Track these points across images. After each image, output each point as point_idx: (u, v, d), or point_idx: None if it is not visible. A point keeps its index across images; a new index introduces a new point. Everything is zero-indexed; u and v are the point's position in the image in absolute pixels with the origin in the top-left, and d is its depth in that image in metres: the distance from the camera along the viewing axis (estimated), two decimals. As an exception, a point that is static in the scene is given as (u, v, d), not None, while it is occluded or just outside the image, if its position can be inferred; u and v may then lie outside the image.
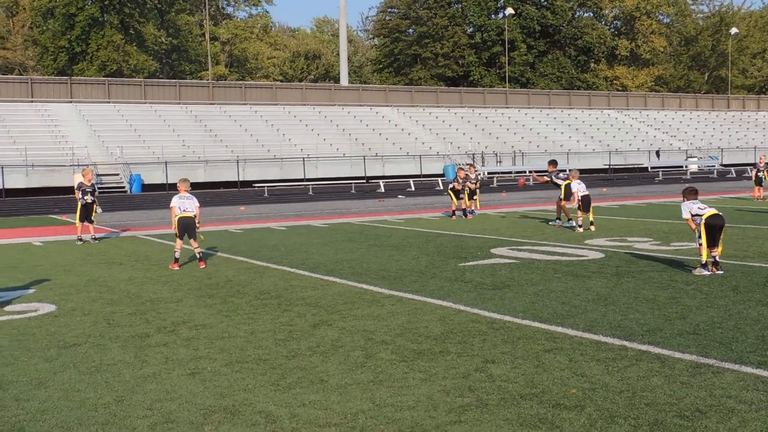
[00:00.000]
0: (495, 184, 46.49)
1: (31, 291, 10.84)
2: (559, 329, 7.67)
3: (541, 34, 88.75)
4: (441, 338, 7.43)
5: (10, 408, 5.61)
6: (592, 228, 17.66)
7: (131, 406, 5.59)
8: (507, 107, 71.76)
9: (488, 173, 53.96)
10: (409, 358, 6.74)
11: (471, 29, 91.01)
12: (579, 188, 18.27)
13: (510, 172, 54.66)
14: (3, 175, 41.75)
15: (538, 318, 8.22)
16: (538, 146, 62.70)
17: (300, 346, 7.25)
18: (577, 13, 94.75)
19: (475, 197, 23.49)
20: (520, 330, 7.72)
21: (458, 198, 22.79)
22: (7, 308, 9.57)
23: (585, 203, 18.08)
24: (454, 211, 22.67)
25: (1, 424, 5.29)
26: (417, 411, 5.36)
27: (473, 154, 57.83)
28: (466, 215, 22.53)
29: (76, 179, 18.10)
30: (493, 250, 14.25)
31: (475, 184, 23.51)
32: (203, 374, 6.38)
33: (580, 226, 17.73)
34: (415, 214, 24.41)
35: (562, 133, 67.55)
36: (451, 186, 23.02)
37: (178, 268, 12.81)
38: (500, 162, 58.29)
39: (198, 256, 13.16)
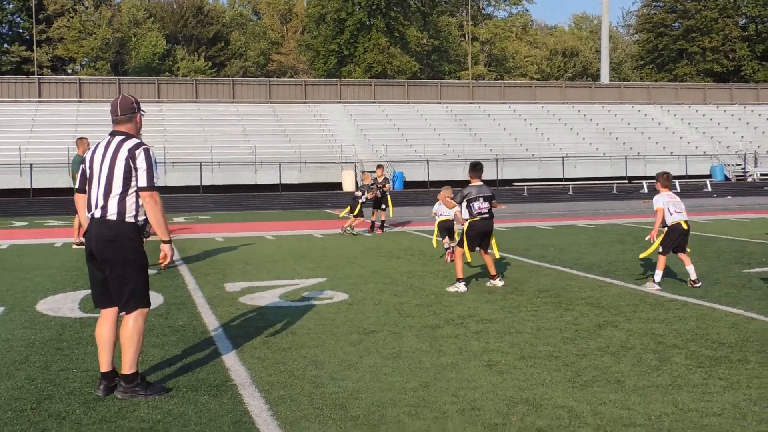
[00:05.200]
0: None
1: (323, 279, 11.70)
2: None
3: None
4: (737, 346, 7.19)
5: (328, 386, 6.15)
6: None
7: (437, 392, 5.94)
8: (784, 104, 66.74)
9: (761, 175, 50.57)
10: (706, 364, 6.60)
11: (744, 21, 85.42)
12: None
13: (787, 174, 50.85)
14: (280, 170, 45.02)
15: (844, 331, 7.72)
16: (821, 145, 57.81)
17: (589, 345, 7.31)
18: None
19: (384, 207, 19.38)
20: (825, 343, 7.29)
21: (354, 210, 19.05)
22: (305, 294, 10.40)
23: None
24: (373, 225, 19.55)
25: (323, 398, 5.82)
26: (724, 418, 5.26)
27: (744, 154, 54.37)
28: (373, 229, 19.32)
29: (345, 177, 19.25)
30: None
31: (381, 189, 19.20)
32: (499, 366, 6.63)
33: None
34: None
35: None
36: (362, 199, 19.04)
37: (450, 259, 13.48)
38: (775, 163, 54.37)
39: (450, 249, 13.62)
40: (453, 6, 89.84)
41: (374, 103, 58.43)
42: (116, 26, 76.66)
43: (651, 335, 7.70)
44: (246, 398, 5.85)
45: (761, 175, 50.62)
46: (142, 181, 5.91)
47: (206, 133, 50.30)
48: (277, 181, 45.18)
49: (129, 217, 5.94)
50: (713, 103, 65.49)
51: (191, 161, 44.93)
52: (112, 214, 5.92)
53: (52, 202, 34.83)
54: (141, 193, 5.92)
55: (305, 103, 57.19)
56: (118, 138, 6.06)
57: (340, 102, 57.79)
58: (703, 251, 14.58)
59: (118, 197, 5.91)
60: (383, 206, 19.40)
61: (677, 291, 10.19)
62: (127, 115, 6.12)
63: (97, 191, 5.98)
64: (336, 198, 38.07)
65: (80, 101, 53.30)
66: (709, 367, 6.50)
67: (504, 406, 5.60)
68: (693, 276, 10.49)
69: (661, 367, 6.54)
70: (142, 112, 6.24)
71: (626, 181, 48.10)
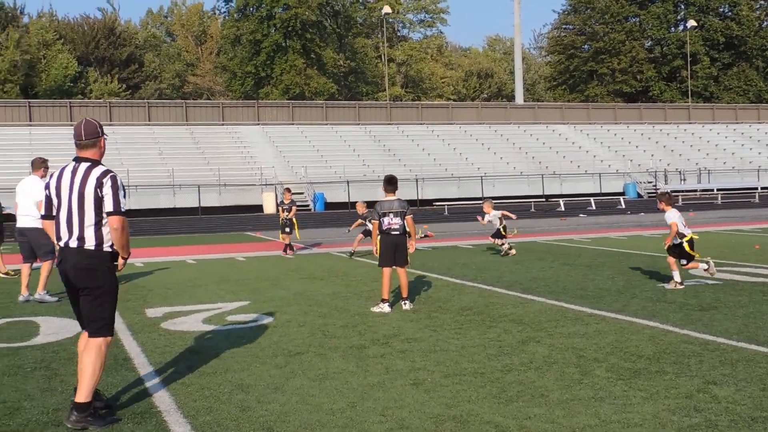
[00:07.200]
0: (680, 203, 44.92)
1: (246, 303, 11.59)
2: (780, 352, 7.46)
3: (726, 45, 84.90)
4: (655, 358, 7.40)
5: (255, 409, 6.10)
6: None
7: (364, 412, 5.94)
8: (690, 123, 69.14)
9: (671, 191, 52.23)
10: (626, 376, 6.77)
11: (650, 43, 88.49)
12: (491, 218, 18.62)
13: (695, 191, 52.67)
14: (199, 193, 44.46)
15: (754, 341, 8.01)
16: (724, 163, 60.07)
17: (513, 361, 7.43)
18: (765, 23, 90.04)
19: (288, 230, 19.30)
20: (737, 352, 7.55)
21: (283, 231, 19.44)
22: (229, 318, 10.29)
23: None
24: (285, 247, 19.45)
25: (250, 422, 5.76)
26: (645, 428, 5.41)
27: (655, 172, 56.10)
28: (286, 250, 19.29)
29: (266, 199, 19.32)
30: (692, 271, 13.88)
31: (289, 212, 19.34)
32: (425, 385, 6.67)
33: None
34: (601, 233, 24.04)
35: (750, 149, 64.31)
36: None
37: None
38: (684, 180, 56.26)
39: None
40: (368, 28, 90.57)
41: (293, 124, 58.28)
42: (24, 48, 74.67)
43: (572, 349, 7.86)
44: (171, 425, 5.75)
45: (672, 191, 52.27)
46: (108, 206, 5.96)
47: (122, 156, 49.31)
48: (196, 204, 44.57)
49: (107, 246, 6.05)
50: (623, 122, 67.45)
51: (106, 185, 43.95)
52: (90, 244, 5.97)
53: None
54: (108, 218, 5.98)
55: (223, 125, 56.68)
56: (84, 165, 6.04)
57: (258, 124, 57.47)
58: (619, 266, 14.99)
59: (94, 227, 5.97)
60: (287, 229, 19.22)
61: (596, 306, 10.43)
62: (91, 140, 6.09)
63: (69, 220, 5.98)
64: (257, 220, 37.81)
65: (-11, 125, 51.70)
66: (629, 379, 6.67)
67: (432, 423, 5.64)
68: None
69: (583, 380, 6.69)
70: (105, 136, 6.19)
71: (543, 200, 49.06)
